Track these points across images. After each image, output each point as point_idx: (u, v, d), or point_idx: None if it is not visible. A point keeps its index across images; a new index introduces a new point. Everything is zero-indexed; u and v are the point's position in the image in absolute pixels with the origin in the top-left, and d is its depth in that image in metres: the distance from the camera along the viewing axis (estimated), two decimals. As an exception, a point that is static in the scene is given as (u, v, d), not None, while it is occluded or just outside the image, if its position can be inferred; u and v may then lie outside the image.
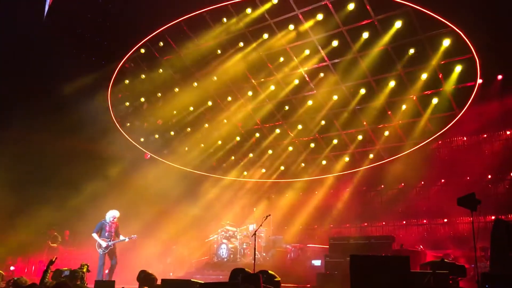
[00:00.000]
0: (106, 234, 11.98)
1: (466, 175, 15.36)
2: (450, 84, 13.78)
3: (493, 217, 13.10)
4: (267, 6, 13.80)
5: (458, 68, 13.33)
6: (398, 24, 12.76)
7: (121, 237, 12.01)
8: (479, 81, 13.25)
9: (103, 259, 11.85)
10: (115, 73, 16.39)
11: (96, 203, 15.76)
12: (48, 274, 8.77)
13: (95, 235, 11.93)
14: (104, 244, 11.84)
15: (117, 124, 17.62)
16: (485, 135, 15.64)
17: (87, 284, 9.24)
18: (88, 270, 9.76)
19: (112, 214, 12.14)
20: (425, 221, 16.55)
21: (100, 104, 16.63)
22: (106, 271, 12.96)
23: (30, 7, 14.93)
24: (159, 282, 9.24)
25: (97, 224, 12.11)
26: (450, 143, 16.35)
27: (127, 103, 18.30)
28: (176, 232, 17.24)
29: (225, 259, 15.47)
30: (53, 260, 9.03)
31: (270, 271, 8.04)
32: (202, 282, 8.60)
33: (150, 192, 16.81)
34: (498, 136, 15.44)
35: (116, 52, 16.14)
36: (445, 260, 8.97)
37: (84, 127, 16.19)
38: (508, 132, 15.25)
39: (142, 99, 18.22)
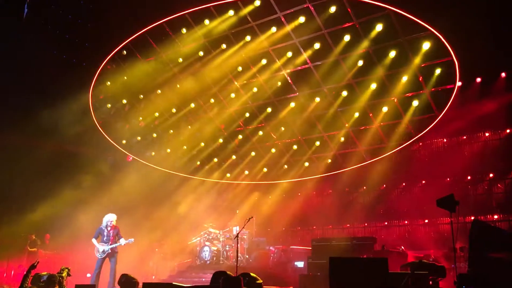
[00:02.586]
0: (105, 239, 11.75)
1: (446, 176, 15.57)
2: (430, 87, 13.96)
3: (472, 218, 13.30)
4: (250, 8, 13.83)
5: (438, 71, 13.50)
6: (379, 27, 12.89)
7: (121, 241, 11.72)
8: (459, 83, 13.45)
9: (100, 264, 11.60)
10: (96, 74, 16.23)
11: (77, 206, 15.63)
12: (28, 279, 8.64)
13: (94, 241, 11.73)
14: (101, 248, 11.61)
15: (98, 126, 17.46)
16: (465, 137, 15.86)
17: None
18: (69, 274, 9.63)
19: (107, 219, 11.89)
20: (406, 222, 16.72)
21: (81, 105, 16.47)
22: (88, 275, 12.83)
23: (9, 6, 14.74)
24: (140, 285, 9.18)
25: (96, 230, 11.90)
26: (430, 144, 16.55)
27: (109, 105, 18.15)
28: (159, 235, 17.14)
29: (208, 262, 15.43)
30: (35, 264, 8.90)
31: (252, 274, 8.04)
32: (184, 285, 8.58)
33: (132, 195, 16.68)
34: (477, 137, 15.68)
35: (98, 54, 16.00)
36: (426, 260, 9.06)
37: (65, 129, 16.00)
38: (487, 134, 15.50)
39: (124, 101, 18.08)
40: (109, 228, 11.80)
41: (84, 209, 15.75)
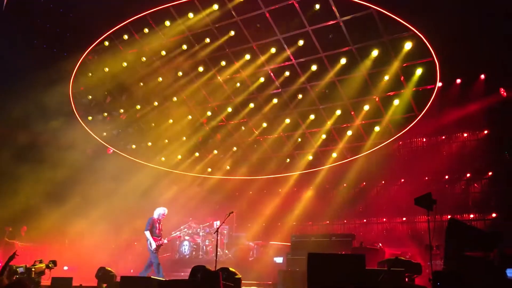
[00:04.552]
0: (157, 232, 11.36)
1: (425, 175, 15.79)
2: (411, 87, 14.12)
3: (449, 217, 13.51)
4: (234, 3, 13.79)
5: (419, 71, 13.67)
6: (362, 25, 12.97)
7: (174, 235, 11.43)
8: (439, 84, 13.64)
9: (157, 258, 11.26)
10: (77, 65, 16.03)
11: (55, 198, 15.46)
12: (5, 271, 8.62)
13: (147, 233, 11.28)
14: (154, 244, 11.24)
15: (78, 118, 17.26)
16: (444, 137, 16.10)
17: (39, 281, 9.11)
18: (48, 267, 9.55)
19: (160, 211, 11.54)
20: (384, 219, 16.93)
21: (61, 96, 16.25)
22: (65, 267, 12.63)
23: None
24: (118, 279, 9.13)
25: (147, 221, 11.43)
26: (410, 143, 16.77)
27: (90, 96, 17.95)
28: (138, 228, 17.02)
29: (187, 256, 15.41)
30: (13, 256, 8.87)
31: (231, 268, 8.06)
32: (162, 279, 8.56)
33: (111, 188, 16.54)
34: (456, 138, 15.93)
35: (79, 44, 15.78)
36: (402, 257, 9.20)
37: (44, 120, 15.79)
38: (465, 134, 15.75)
39: (105, 93, 17.87)
40: (159, 221, 11.48)
41: (61, 202, 15.59)
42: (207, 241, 15.69)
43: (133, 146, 19.07)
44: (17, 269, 9.01)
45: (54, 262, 9.65)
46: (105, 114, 18.41)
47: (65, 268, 14.11)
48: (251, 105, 16.96)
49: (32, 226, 15.33)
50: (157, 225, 11.42)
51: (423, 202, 8.32)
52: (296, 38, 14.18)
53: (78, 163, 16.49)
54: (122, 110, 18.33)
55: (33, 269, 9.21)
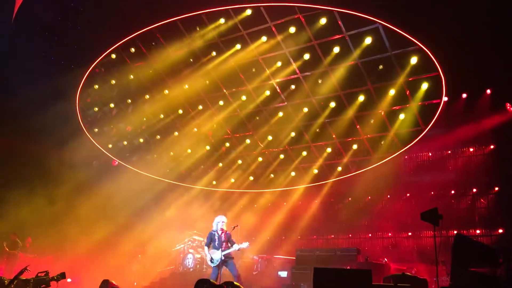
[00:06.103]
0: (216, 243, 10.66)
1: (431, 190, 15.71)
2: (416, 101, 14.11)
3: (455, 232, 13.41)
4: (241, 17, 13.89)
5: (424, 86, 13.66)
6: (368, 40, 13.01)
7: (235, 246, 10.55)
8: (445, 98, 13.62)
9: (216, 272, 10.45)
10: (84, 77, 16.14)
11: (61, 210, 15.48)
12: (13, 284, 8.62)
13: (205, 248, 10.80)
14: (209, 256, 10.62)
15: (84, 130, 17.36)
16: (449, 152, 16.04)
17: None
18: (54, 279, 9.52)
19: (218, 220, 10.89)
20: (390, 234, 16.80)
21: (68, 108, 16.37)
22: (69, 280, 12.55)
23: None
24: (122, 292, 9.09)
25: (207, 236, 10.91)
26: (415, 158, 16.70)
27: (96, 108, 18.05)
28: (142, 241, 17.01)
29: (191, 269, 15.32)
30: (24, 269, 8.89)
31: (235, 282, 8.03)
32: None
33: (116, 200, 16.58)
34: (462, 152, 15.85)
35: (86, 57, 15.92)
36: (408, 273, 9.12)
37: (51, 132, 15.88)
38: (471, 149, 15.67)
39: (112, 105, 17.98)
40: (220, 232, 10.76)
41: (65, 213, 15.61)
42: (211, 254, 15.58)
43: (138, 159, 19.10)
44: (26, 282, 8.99)
45: (62, 275, 9.59)
46: (111, 126, 18.48)
47: (69, 280, 14.08)
48: (257, 118, 16.98)
49: (37, 238, 15.34)
50: (216, 237, 10.73)
51: (429, 217, 8.26)
52: (302, 51, 14.23)
53: (83, 175, 16.55)
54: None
55: (31, 281, 9.18)
